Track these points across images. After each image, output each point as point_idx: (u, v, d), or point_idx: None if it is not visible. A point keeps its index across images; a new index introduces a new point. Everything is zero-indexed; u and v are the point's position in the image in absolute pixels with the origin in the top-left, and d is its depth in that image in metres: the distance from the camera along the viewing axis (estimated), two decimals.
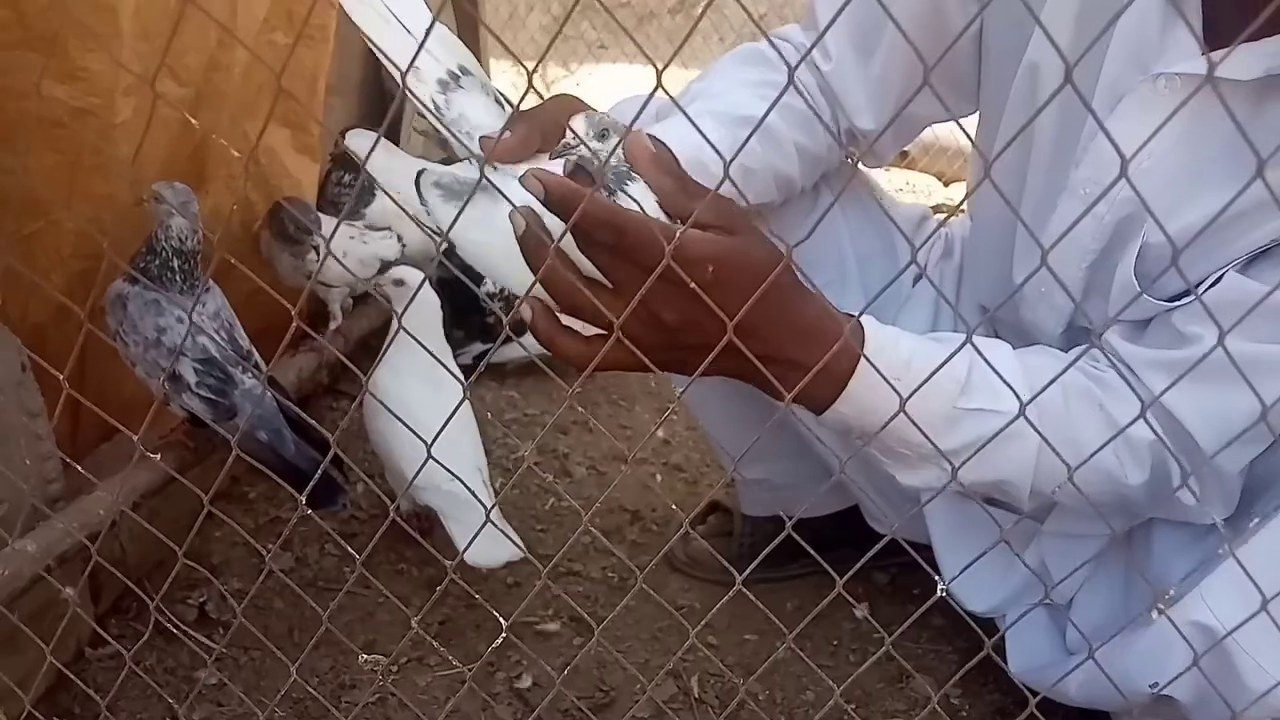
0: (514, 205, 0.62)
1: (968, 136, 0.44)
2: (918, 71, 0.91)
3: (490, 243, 0.62)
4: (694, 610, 1.29)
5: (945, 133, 2.67)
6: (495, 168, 0.67)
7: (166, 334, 1.12)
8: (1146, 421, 0.66)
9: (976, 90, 0.98)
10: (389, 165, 1.60)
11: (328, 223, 1.50)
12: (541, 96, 0.48)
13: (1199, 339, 0.79)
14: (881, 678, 1.22)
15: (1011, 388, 0.51)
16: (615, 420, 1.71)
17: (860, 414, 0.73)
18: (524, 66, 0.39)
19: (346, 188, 1.62)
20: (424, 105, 0.70)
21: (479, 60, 2.18)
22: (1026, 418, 0.51)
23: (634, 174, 0.64)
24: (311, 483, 0.62)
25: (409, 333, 0.51)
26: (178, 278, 1.13)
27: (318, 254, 1.43)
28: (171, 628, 1.06)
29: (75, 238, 1.19)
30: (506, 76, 2.74)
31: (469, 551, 1.14)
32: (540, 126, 0.69)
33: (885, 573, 1.37)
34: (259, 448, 1.11)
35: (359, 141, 1.61)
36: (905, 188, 2.89)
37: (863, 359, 0.71)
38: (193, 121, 1.29)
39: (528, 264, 0.62)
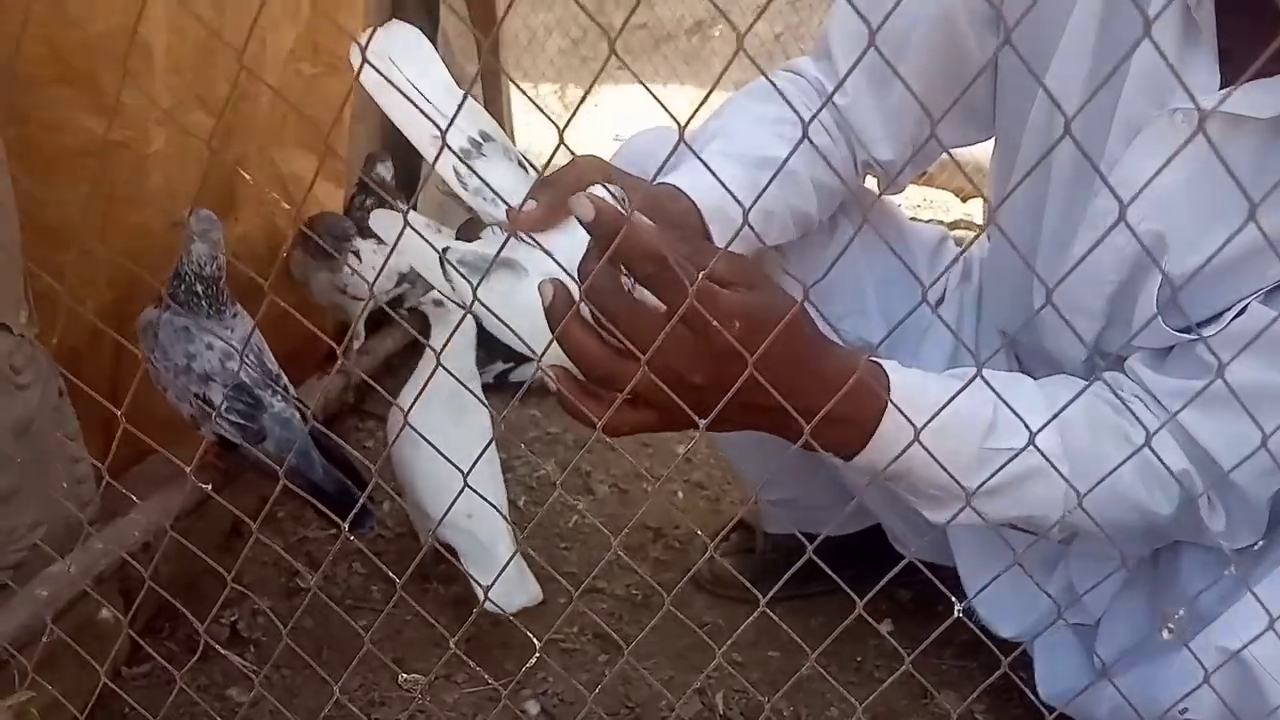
0: (526, 272, 0.62)
1: (965, 173, 0.45)
2: (934, 101, 0.90)
3: (515, 319, 0.62)
4: (718, 628, 1.30)
5: (963, 149, 2.68)
6: (520, 236, 0.67)
7: (196, 360, 1.14)
8: (1153, 452, 0.65)
9: (992, 118, 0.99)
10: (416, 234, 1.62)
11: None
12: (570, 149, 0.48)
13: (1208, 366, 0.79)
14: (906, 694, 1.22)
15: (1025, 423, 0.51)
16: (637, 438, 1.72)
17: (887, 459, 0.72)
18: (555, 125, 0.40)
19: (370, 211, 1.64)
20: (447, 177, 0.70)
21: (499, 88, 2.20)
22: (1038, 448, 0.52)
23: None
24: (354, 509, 0.63)
25: (441, 364, 0.53)
26: (203, 303, 1.15)
27: (357, 258, 1.45)
28: (212, 646, 1.07)
29: (108, 267, 1.22)
30: (525, 100, 2.78)
31: (494, 594, 1.15)
32: (566, 192, 0.68)
33: (909, 590, 1.37)
34: (287, 472, 1.13)
35: (383, 222, 1.63)
36: (923, 204, 2.90)
37: (889, 407, 0.71)
38: (244, 174, 1.32)
39: (554, 334, 0.62)
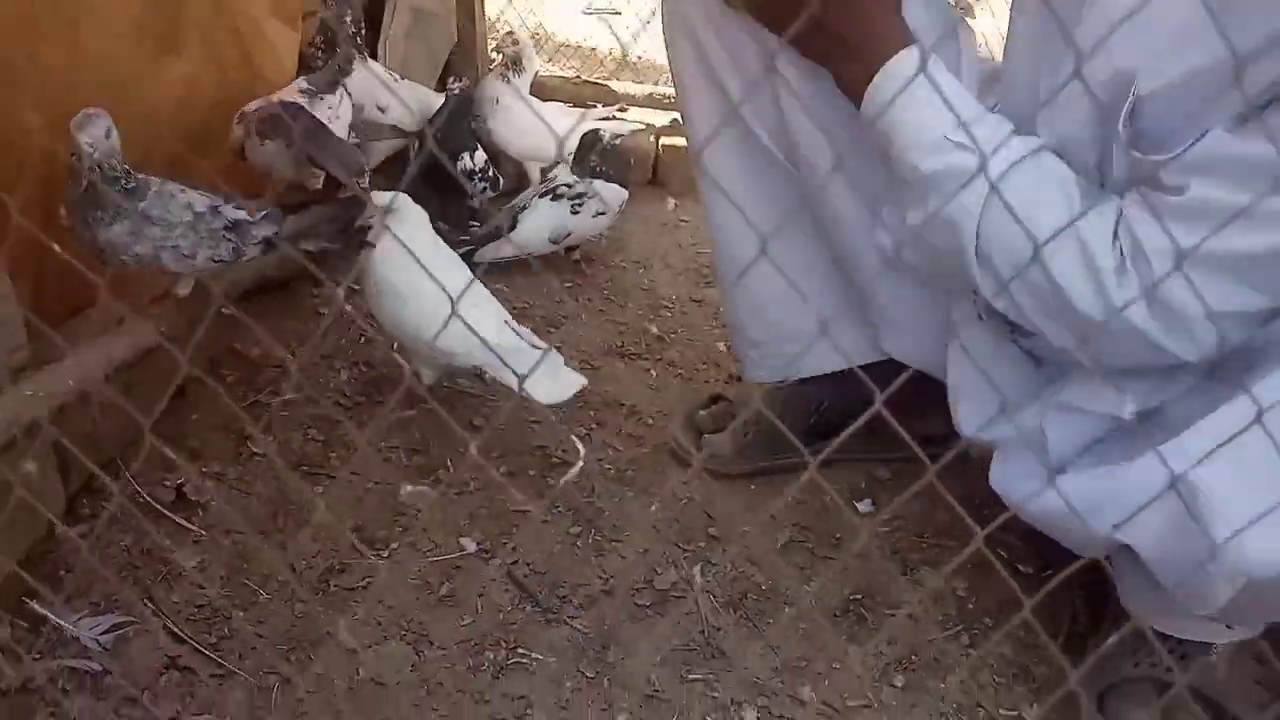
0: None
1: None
2: None
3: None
4: (693, 502, 1.25)
5: None
6: None
7: (195, 204, 1.18)
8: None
9: None
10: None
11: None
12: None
13: (1181, 189, 0.78)
14: (886, 571, 1.19)
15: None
16: (607, 316, 1.65)
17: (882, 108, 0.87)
18: None
19: (325, 61, 1.53)
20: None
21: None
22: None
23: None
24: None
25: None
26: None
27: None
28: (153, 505, 1.00)
29: (41, 90, 1.10)
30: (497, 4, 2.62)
31: (541, 393, 1.18)
32: None
33: (887, 467, 1.33)
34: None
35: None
36: None
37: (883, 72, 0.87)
38: None
39: None
